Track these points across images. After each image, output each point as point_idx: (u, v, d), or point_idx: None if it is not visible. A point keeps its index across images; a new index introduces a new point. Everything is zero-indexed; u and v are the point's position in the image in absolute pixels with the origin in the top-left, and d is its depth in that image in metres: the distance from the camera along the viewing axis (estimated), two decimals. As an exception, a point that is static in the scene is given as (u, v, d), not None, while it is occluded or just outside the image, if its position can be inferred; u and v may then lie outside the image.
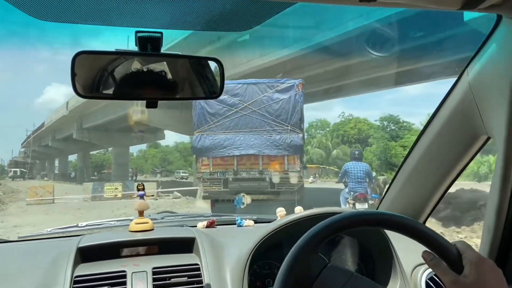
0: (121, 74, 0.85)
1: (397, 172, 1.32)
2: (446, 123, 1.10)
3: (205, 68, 0.89)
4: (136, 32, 0.77)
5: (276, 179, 10.40)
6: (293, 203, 8.96)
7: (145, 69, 0.85)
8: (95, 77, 0.83)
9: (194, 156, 11.13)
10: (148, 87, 0.86)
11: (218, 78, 0.89)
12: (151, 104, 0.83)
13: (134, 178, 28.57)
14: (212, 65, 0.90)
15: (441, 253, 0.72)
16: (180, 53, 0.85)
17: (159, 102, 0.85)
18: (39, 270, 1.06)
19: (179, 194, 13.31)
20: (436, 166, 1.19)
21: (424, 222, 1.31)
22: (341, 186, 7.87)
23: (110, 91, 0.84)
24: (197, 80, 0.89)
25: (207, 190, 10.27)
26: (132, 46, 0.82)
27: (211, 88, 0.89)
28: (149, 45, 0.77)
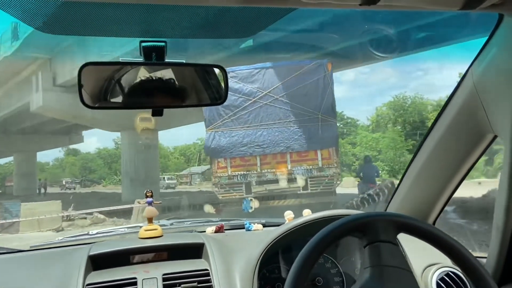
0: (127, 83, 0.90)
1: (405, 172, 1.37)
2: (452, 123, 1.15)
3: (209, 75, 0.95)
4: (141, 42, 0.83)
5: (309, 179, 8.47)
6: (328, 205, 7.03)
7: (150, 78, 0.90)
8: (101, 87, 0.87)
9: (208, 157, 9.28)
10: (154, 96, 0.90)
11: (222, 84, 0.94)
12: (157, 112, 0.88)
13: (43, 191, 21.99)
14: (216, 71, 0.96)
15: (469, 272, 0.77)
16: (184, 61, 0.90)
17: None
18: (51, 279, 1.14)
19: (102, 217, 8.67)
20: (443, 165, 1.23)
21: (434, 222, 1.35)
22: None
23: (117, 100, 0.89)
24: (202, 87, 0.95)
25: (227, 198, 8.50)
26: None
27: (216, 94, 0.94)
28: (153, 54, 0.81)
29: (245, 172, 9.35)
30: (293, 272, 0.71)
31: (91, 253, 1.18)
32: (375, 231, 0.74)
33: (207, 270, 1.15)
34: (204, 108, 10.00)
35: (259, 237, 1.28)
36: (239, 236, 1.43)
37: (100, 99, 0.86)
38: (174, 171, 32.76)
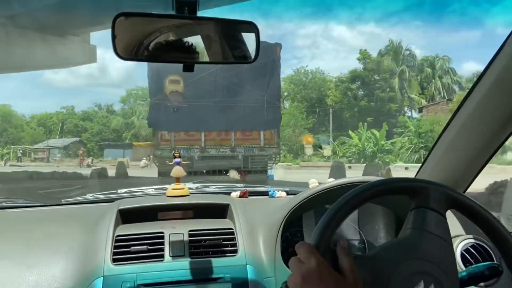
0: (158, 37, 0.89)
1: (436, 141, 1.32)
2: (489, 92, 1.07)
3: (240, 32, 0.93)
4: None
5: (250, 157, 9.14)
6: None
7: (181, 32, 0.90)
8: (134, 39, 0.87)
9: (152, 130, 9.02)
10: (184, 50, 0.89)
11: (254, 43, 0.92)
12: (188, 68, 0.88)
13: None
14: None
15: (501, 247, 0.73)
16: (217, 17, 0.88)
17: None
18: (84, 230, 1.19)
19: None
20: (478, 135, 1.18)
21: (465, 191, 1.32)
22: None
23: (148, 53, 0.89)
24: (233, 44, 0.93)
25: (166, 171, 8.53)
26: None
27: (247, 52, 0.92)
28: (186, 8, 0.82)
29: (188, 147, 9.36)
30: (321, 223, 0.69)
31: (121, 207, 1.24)
32: (427, 198, 0.72)
33: (231, 229, 1.19)
34: (148, 77, 9.44)
35: (282, 202, 1.33)
36: (263, 201, 1.49)
37: (133, 51, 0.87)
38: (29, 144, 28.21)
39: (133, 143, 25.26)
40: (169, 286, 1.05)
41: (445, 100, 23.46)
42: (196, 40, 0.90)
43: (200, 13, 0.82)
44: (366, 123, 21.28)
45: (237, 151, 9.72)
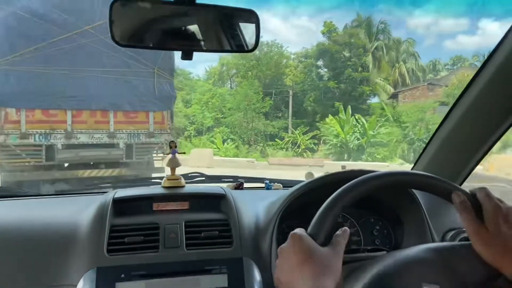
0: (157, 23, 0.89)
1: (435, 132, 1.35)
2: (490, 83, 1.11)
3: (240, 19, 0.94)
4: None
5: (135, 146, 7.04)
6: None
7: (180, 19, 0.90)
8: (132, 24, 0.87)
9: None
10: (183, 37, 0.90)
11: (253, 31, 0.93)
12: (187, 55, 0.88)
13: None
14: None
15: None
16: (216, 4, 0.90)
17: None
18: (78, 220, 1.17)
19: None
20: (477, 127, 1.22)
21: (460, 185, 1.36)
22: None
23: (146, 40, 0.90)
24: (233, 33, 0.93)
25: (14, 165, 6.28)
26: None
27: (246, 40, 0.93)
28: None
29: (48, 131, 7.06)
30: (320, 212, 0.71)
31: (115, 196, 1.22)
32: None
33: (227, 220, 1.19)
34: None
35: (279, 194, 1.27)
36: (259, 193, 1.52)
37: (130, 37, 0.87)
38: None
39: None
40: (163, 277, 1.06)
41: (426, 84, 21.64)
42: (194, 27, 0.90)
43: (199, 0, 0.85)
44: (350, 107, 17.18)
45: (117, 138, 7.55)
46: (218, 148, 18.27)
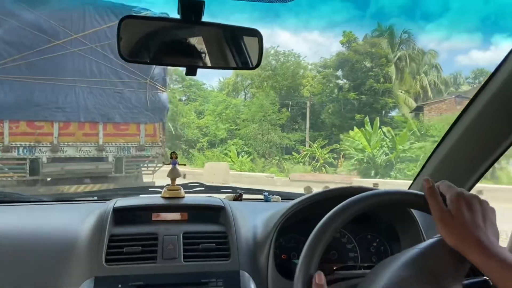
0: (164, 40, 0.92)
1: (441, 140, 1.33)
2: (500, 92, 1.09)
3: (243, 38, 0.97)
4: None
5: (125, 159, 6.60)
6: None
7: (186, 37, 0.94)
8: (139, 41, 0.90)
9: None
10: (188, 54, 0.93)
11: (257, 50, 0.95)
12: (191, 72, 0.91)
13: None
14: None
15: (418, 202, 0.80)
16: (221, 23, 0.92)
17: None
18: (78, 228, 1.18)
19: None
20: (485, 137, 1.21)
21: None
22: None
23: (153, 56, 0.92)
24: (237, 50, 0.96)
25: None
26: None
27: (249, 58, 0.96)
28: (191, 12, 0.84)
29: (33, 144, 6.74)
30: (311, 239, 0.74)
31: (116, 205, 1.23)
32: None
33: (225, 232, 1.19)
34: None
35: (277, 207, 1.27)
36: (258, 205, 1.51)
37: (137, 53, 0.90)
38: None
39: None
40: None
41: (453, 97, 20.39)
42: (200, 45, 0.93)
43: (205, 18, 0.85)
44: (378, 119, 15.49)
45: (106, 151, 7.12)
46: (233, 161, 17.09)
